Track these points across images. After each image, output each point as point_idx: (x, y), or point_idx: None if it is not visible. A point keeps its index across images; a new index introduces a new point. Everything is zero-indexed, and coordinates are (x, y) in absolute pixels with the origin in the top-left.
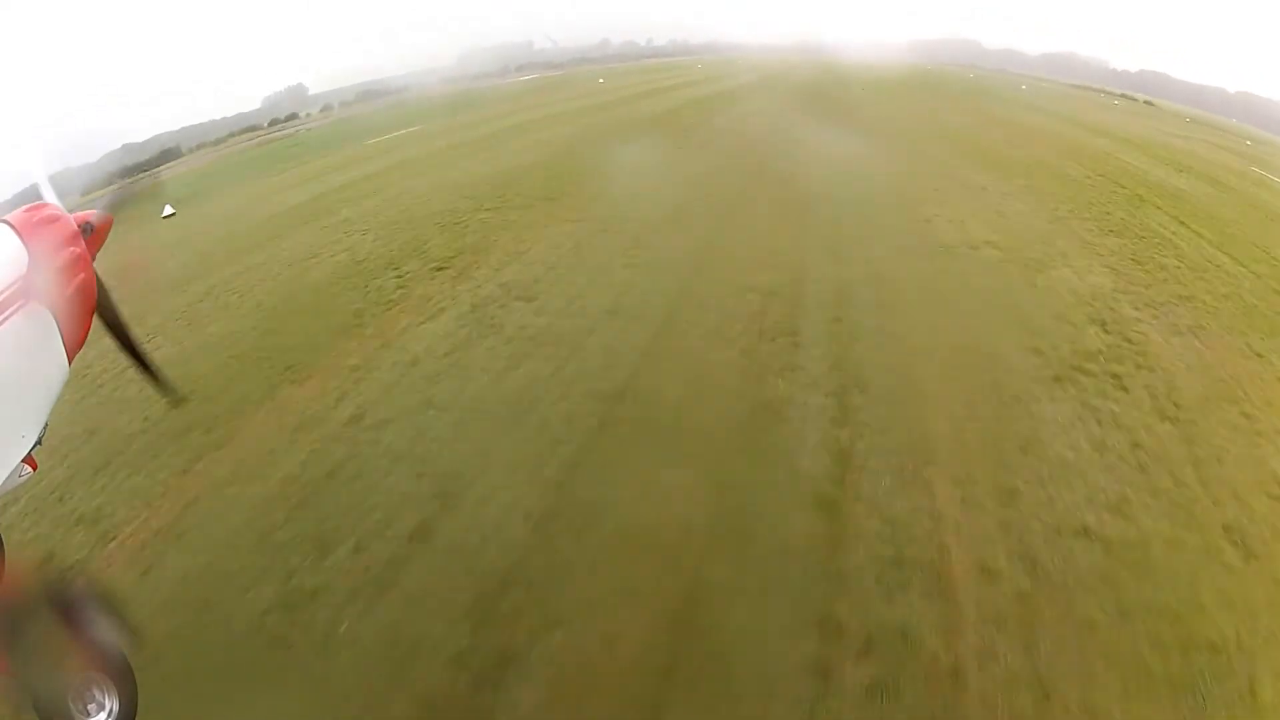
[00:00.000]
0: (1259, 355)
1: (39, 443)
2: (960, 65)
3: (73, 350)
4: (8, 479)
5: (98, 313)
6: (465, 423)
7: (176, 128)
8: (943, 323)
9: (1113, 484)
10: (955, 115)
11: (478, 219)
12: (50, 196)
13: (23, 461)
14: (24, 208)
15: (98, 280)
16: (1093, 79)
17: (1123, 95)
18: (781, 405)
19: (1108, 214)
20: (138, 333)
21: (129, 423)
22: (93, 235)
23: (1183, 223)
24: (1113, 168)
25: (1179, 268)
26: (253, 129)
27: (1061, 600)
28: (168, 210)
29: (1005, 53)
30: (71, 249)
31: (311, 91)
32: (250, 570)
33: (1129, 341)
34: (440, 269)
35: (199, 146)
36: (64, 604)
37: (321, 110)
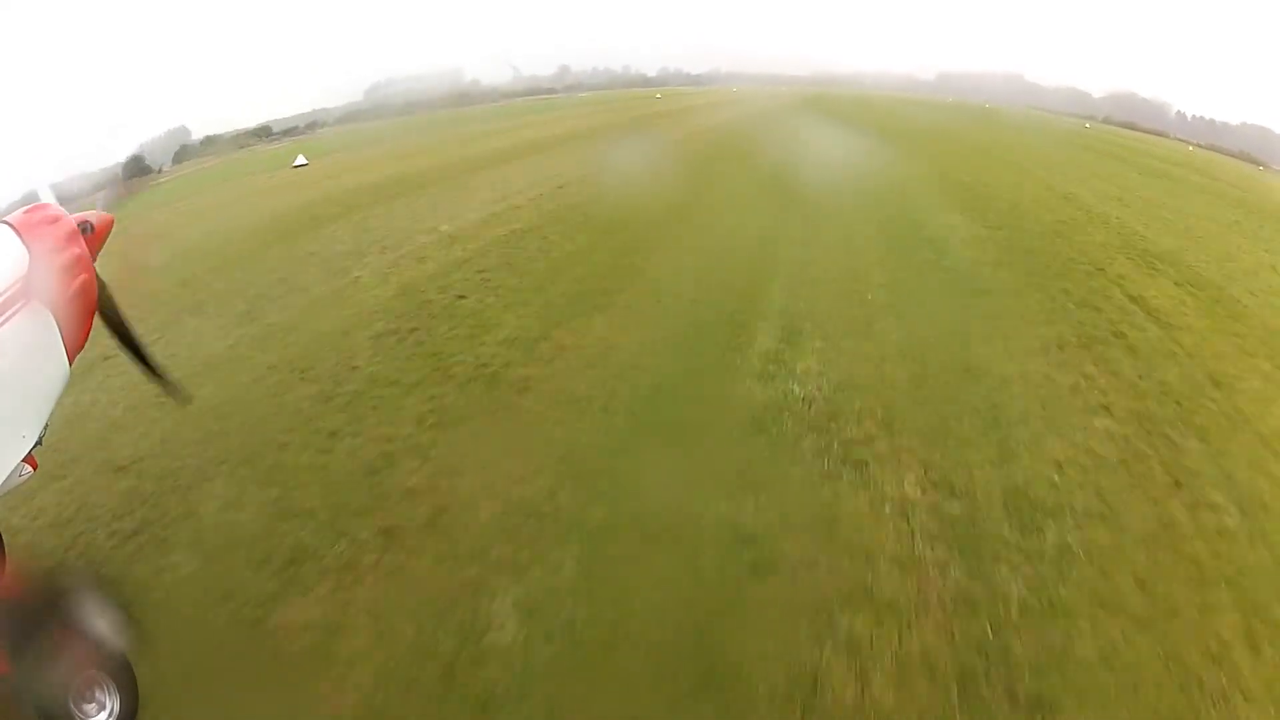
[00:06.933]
0: None
1: (39, 443)
2: (1005, 103)
3: (73, 351)
4: (8, 479)
5: (99, 312)
6: None
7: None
8: None
9: None
10: None
11: None
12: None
13: (23, 461)
14: (24, 209)
15: (99, 280)
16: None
17: None
18: None
19: None
20: (140, 331)
21: None
22: (93, 235)
23: None
24: None
25: None
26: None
27: None
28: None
29: (1067, 91)
30: (72, 249)
31: (195, 136)
32: None
33: None
34: None
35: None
36: (64, 603)
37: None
